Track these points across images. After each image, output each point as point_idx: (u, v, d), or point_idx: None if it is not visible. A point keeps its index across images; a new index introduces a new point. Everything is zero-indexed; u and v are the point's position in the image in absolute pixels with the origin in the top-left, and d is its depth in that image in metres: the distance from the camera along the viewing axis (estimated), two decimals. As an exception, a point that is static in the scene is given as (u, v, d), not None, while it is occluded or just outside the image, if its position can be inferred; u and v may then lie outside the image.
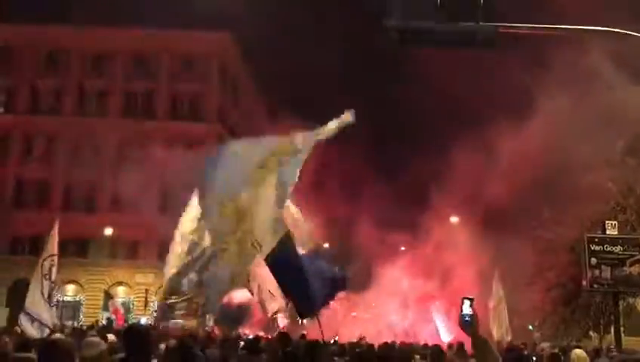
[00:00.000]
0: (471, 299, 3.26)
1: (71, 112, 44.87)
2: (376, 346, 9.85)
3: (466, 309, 3.20)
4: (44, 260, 13.42)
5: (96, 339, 5.66)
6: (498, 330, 19.02)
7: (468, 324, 3.18)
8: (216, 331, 16.69)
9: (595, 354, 12.19)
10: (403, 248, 30.44)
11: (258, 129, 31.80)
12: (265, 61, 60.18)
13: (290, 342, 8.12)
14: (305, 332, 16.44)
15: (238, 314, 15.78)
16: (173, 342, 7.15)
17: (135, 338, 4.92)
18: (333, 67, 59.23)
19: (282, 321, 16.89)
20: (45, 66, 45.71)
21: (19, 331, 13.27)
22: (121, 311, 26.40)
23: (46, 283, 13.24)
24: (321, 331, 8.60)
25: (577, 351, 7.93)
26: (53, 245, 13.63)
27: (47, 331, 12.36)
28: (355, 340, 15.74)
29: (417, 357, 9.83)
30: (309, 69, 53.42)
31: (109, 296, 31.91)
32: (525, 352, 12.06)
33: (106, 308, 34.59)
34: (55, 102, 45.34)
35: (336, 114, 9.09)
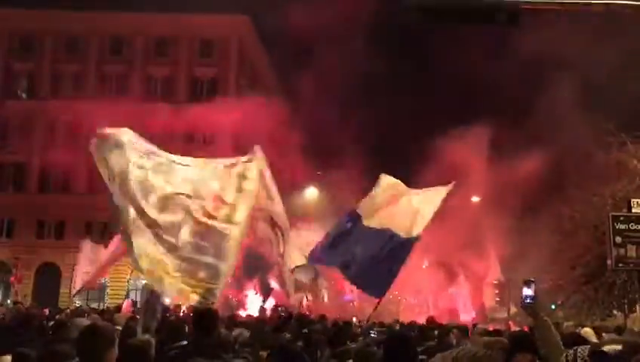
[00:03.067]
0: (532, 281, 3.19)
1: (92, 96, 45.23)
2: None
3: (527, 291, 3.13)
4: None
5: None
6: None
7: (528, 306, 3.11)
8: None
9: (617, 332, 12.05)
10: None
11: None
12: (283, 45, 59.80)
13: (307, 323, 8.12)
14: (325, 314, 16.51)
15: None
16: None
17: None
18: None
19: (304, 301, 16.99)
20: (66, 51, 46.08)
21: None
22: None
23: None
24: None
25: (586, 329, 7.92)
26: None
27: None
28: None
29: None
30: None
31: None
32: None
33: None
34: (76, 86, 45.71)
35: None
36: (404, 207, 10.85)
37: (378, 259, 10.03)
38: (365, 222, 10.54)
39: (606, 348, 5.60)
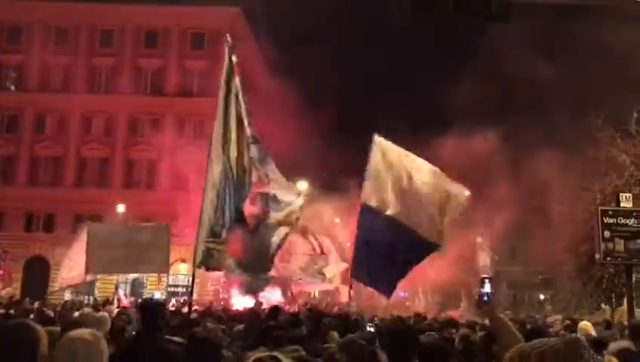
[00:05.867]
0: (489, 278, 3.17)
1: (81, 89, 44.88)
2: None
3: (485, 288, 3.12)
4: None
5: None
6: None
7: (484, 304, 3.07)
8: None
9: (606, 326, 12.19)
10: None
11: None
12: (275, 37, 59.65)
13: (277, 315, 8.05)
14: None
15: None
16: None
17: (148, 313, 4.96)
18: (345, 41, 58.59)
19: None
20: (55, 43, 45.62)
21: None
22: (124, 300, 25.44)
23: None
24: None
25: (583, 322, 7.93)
26: None
27: None
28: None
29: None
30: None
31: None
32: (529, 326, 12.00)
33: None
34: (66, 79, 45.33)
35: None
36: (416, 194, 9.53)
37: (392, 256, 8.94)
38: (389, 212, 9.34)
39: None
